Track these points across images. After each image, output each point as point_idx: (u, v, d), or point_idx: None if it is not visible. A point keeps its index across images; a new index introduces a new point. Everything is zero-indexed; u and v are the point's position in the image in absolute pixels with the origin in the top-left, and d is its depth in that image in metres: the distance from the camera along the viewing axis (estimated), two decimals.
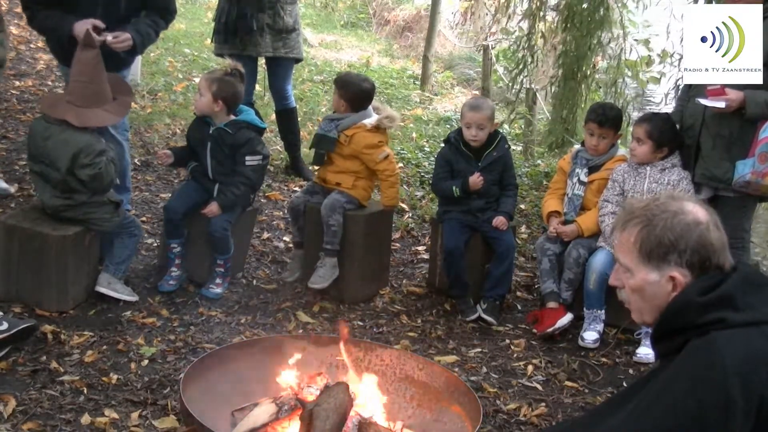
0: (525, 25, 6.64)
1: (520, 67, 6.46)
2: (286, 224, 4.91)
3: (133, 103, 6.48)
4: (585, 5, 5.83)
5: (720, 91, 3.66)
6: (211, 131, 4.04)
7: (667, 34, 6.01)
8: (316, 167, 4.57)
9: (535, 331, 4.04)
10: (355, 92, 4.21)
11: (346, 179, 4.22)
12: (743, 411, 1.53)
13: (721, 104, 3.67)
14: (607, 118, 4.15)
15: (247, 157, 4.03)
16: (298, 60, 5.62)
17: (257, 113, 4.26)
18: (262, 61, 5.61)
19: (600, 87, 6.42)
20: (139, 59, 6.73)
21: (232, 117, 4.05)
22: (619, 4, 6.09)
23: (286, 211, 5.16)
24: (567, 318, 4.00)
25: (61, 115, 3.67)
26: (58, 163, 3.66)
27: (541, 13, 6.39)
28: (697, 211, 1.75)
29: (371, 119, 4.21)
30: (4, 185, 4.75)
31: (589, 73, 6.08)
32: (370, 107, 4.27)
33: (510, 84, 6.89)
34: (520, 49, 6.48)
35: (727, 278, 1.69)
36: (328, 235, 4.12)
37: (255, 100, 6.34)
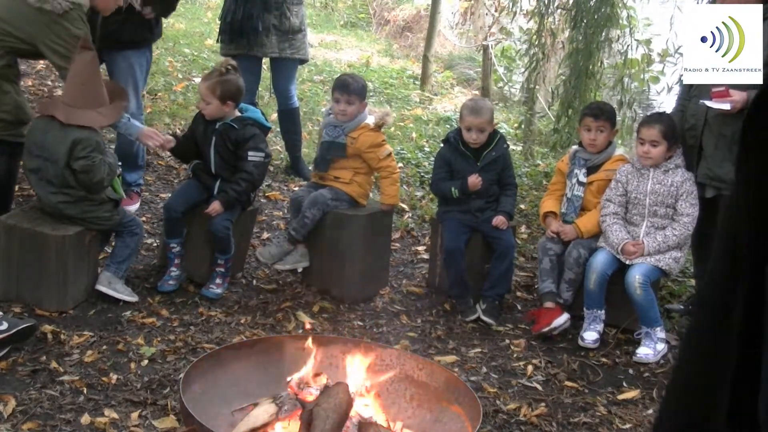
0: (533, 24, 6.62)
1: (533, 65, 6.44)
2: (286, 224, 4.91)
3: None
4: (592, 2, 5.82)
5: (725, 92, 3.67)
6: (216, 126, 4.06)
7: (671, 26, 6.01)
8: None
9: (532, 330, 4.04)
10: (365, 93, 4.29)
11: (345, 173, 4.25)
12: None
13: (727, 106, 3.68)
14: (602, 111, 4.20)
15: (250, 153, 4.05)
16: (303, 61, 5.62)
17: (262, 113, 4.28)
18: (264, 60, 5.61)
19: (601, 86, 6.40)
20: None
21: (238, 113, 4.08)
22: (621, 3, 6.08)
23: (286, 211, 5.16)
24: (563, 318, 3.98)
25: (50, 111, 3.67)
26: (57, 156, 3.66)
27: (549, 11, 6.38)
28: None
29: (371, 118, 4.27)
30: None
31: (597, 71, 6.07)
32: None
33: (525, 84, 6.87)
34: (532, 47, 6.46)
35: None
36: (299, 224, 4.14)
37: (256, 100, 6.33)
